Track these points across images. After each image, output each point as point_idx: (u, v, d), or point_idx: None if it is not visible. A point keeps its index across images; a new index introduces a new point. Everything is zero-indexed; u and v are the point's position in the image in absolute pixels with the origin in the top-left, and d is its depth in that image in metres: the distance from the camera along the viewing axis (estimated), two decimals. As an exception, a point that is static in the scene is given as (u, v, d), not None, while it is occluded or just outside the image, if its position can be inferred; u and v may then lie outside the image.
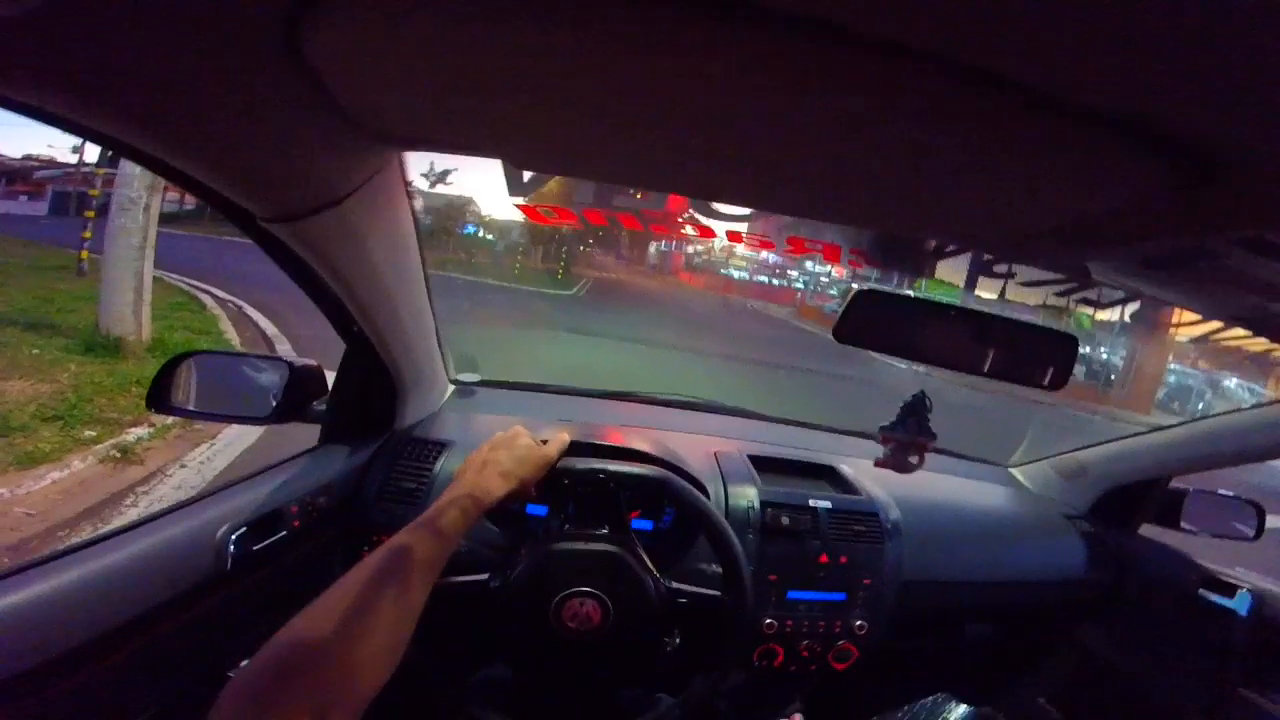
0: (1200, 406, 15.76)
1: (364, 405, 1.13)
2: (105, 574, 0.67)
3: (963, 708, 1.59)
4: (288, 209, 0.61)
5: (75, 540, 0.69)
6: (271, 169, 0.55)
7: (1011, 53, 0.30)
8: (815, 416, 1.80)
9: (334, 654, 0.52)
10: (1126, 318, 17.48)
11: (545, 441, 0.88)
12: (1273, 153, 0.33)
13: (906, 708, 1.60)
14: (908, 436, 0.93)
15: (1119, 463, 1.50)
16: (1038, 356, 0.82)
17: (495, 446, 0.82)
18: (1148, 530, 1.50)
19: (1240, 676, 1.18)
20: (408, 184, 0.75)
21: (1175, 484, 1.47)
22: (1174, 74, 0.29)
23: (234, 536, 0.81)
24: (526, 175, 0.81)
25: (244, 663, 0.91)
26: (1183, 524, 1.43)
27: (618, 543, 0.88)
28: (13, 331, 5.27)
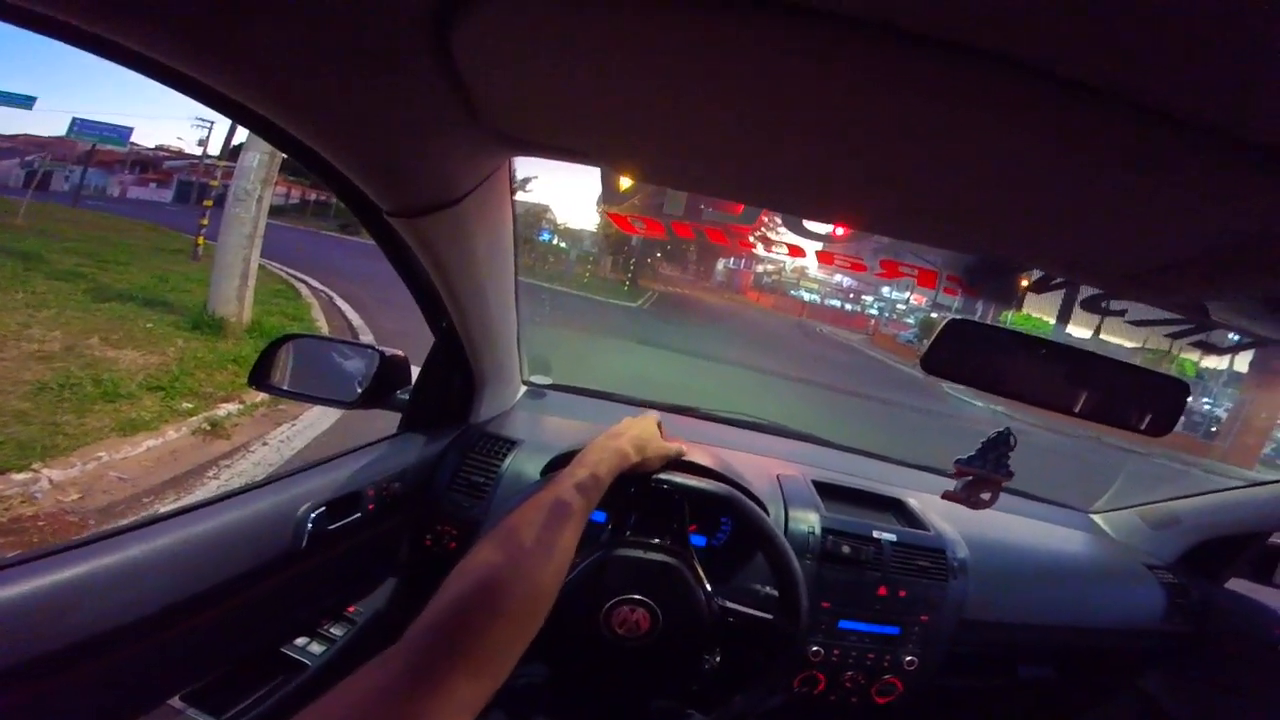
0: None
1: (444, 398, 1.17)
2: (192, 543, 0.70)
3: None
4: (411, 204, 0.65)
5: (161, 509, 0.74)
6: (403, 164, 0.59)
7: (1145, 74, 0.28)
8: (884, 449, 1.75)
9: (526, 568, 0.56)
10: (1235, 366, 16.05)
11: None
12: None
13: None
14: (984, 472, 0.88)
15: (1217, 515, 1.43)
16: (1141, 400, 0.77)
17: (632, 425, 0.85)
18: (1239, 586, 1.43)
19: None
20: (514, 189, 0.78)
21: (1275, 540, 1.40)
22: None
23: (313, 515, 0.84)
24: (624, 184, 0.82)
25: (300, 639, 0.96)
26: (1277, 580, 1.38)
27: (676, 554, 0.87)
28: (133, 306, 5.83)
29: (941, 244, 0.60)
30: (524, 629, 0.53)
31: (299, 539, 0.82)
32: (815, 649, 1.06)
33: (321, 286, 9.30)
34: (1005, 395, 0.76)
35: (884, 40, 0.30)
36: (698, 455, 1.11)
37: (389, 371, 1.06)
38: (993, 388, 0.76)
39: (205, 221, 9.06)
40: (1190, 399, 0.74)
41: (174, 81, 0.47)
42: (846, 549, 1.12)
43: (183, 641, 0.69)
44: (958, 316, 0.79)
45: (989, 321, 0.79)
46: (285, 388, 1.06)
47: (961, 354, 0.76)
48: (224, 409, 3.89)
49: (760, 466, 1.31)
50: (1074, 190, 0.40)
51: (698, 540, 1.15)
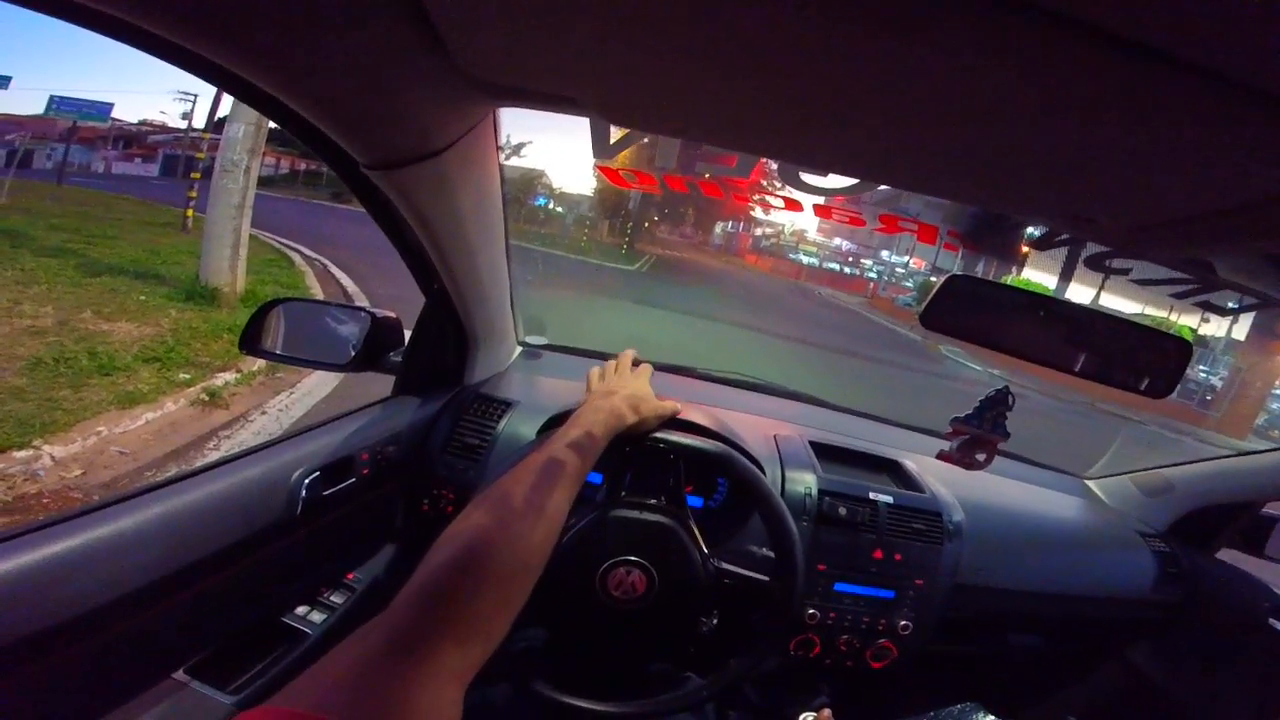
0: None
1: (438, 359, 1.16)
2: (184, 512, 0.69)
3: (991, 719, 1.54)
4: (390, 157, 0.63)
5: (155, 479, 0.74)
6: (379, 114, 0.57)
7: (1158, 19, 0.27)
8: (881, 410, 1.74)
9: (516, 531, 0.56)
10: (1234, 334, 16.06)
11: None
12: None
13: (932, 715, 1.55)
14: (981, 432, 0.87)
15: (1211, 483, 1.43)
16: (1141, 360, 0.75)
17: (626, 383, 0.85)
18: (1229, 556, 1.44)
19: None
20: (499, 143, 0.76)
21: (1268, 510, 1.40)
22: None
23: (306, 480, 0.84)
24: (614, 137, 0.79)
25: (300, 608, 0.96)
26: (1268, 551, 1.38)
27: (672, 515, 0.86)
28: (124, 280, 5.77)
29: (943, 194, 0.58)
30: (514, 593, 0.53)
31: (293, 506, 0.82)
32: (811, 612, 1.07)
33: (315, 255, 9.21)
34: (1004, 352, 0.75)
35: None
36: (694, 415, 1.10)
37: (381, 333, 1.05)
38: (991, 344, 0.75)
39: (194, 194, 8.91)
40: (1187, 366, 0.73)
41: (134, 38, 0.45)
42: (843, 511, 1.11)
43: (180, 613, 0.69)
44: (969, 275, 0.78)
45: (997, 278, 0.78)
46: (277, 351, 1.05)
47: (960, 310, 0.75)
48: (221, 378, 3.89)
49: (757, 426, 1.30)
50: (1082, 139, 0.39)
51: (694, 501, 1.15)
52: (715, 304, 12.62)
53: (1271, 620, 1.22)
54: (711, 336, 8.96)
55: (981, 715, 1.54)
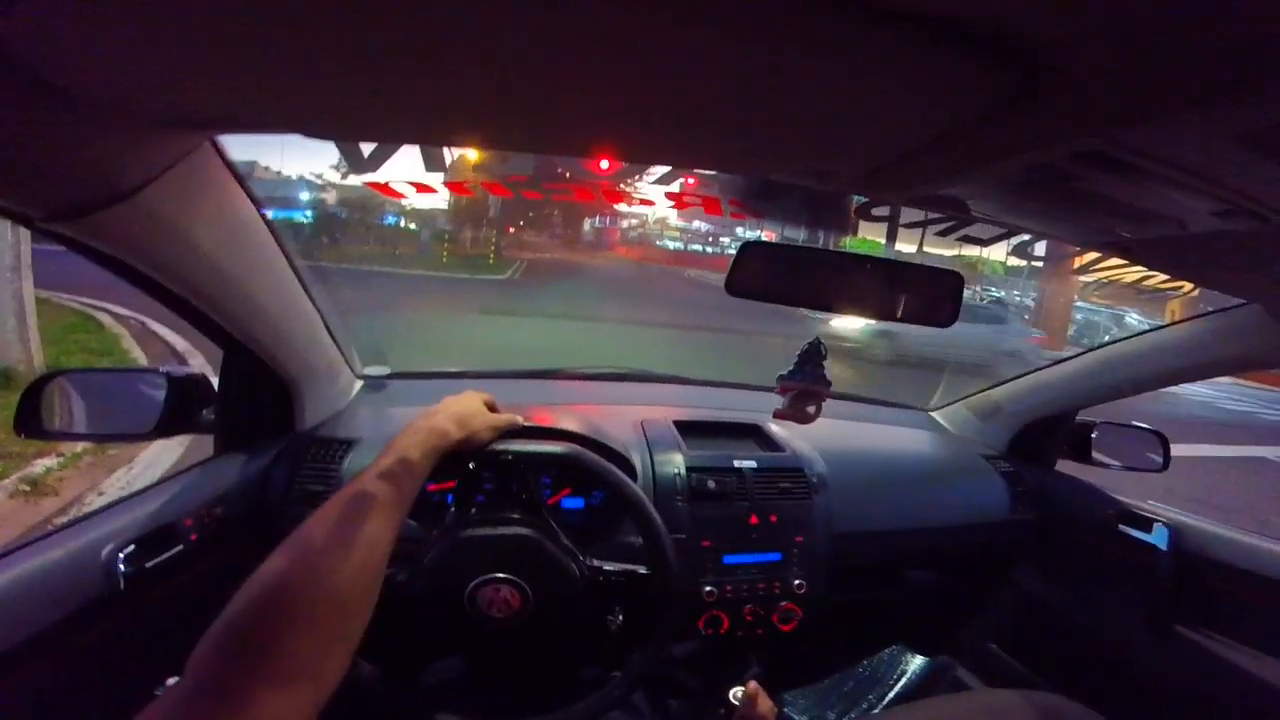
0: (1106, 340, 16.90)
1: (257, 410, 1.07)
2: None
3: (919, 659, 1.63)
4: (66, 207, 0.55)
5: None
6: (14, 170, 0.49)
7: None
8: (753, 377, 1.77)
9: (321, 569, 0.52)
10: (1037, 256, 18.61)
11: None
12: (1088, 53, 0.33)
13: (866, 662, 1.64)
14: (805, 385, 0.95)
15: (1030, 398, 1.51)
16: (925, 296, 0.83)
17: (451, 403, 0.80)
18: (1068, 468, 1.51)
19: (1172, 612, 1.19)
20: (231, 167, 0.69)
21: (1086, 417, 1.48)
22: None
23: (121, 555, 0.77)
24: (366, 150, 0.76)
25: (170, 680, 0.88)
26: (1095, 456, 1.44)
27: (531, 525, 0.85)
28: (-118, 375, 4.75)
29: (689, 164, 0.60)
30: (331, 630, 0.51)
31: (114, 580, 0.75)
32: (709, 589, 1.08)
33: (128, 312, 8.08)
34: (804, 306, 0.82)
35: None
36: (548, 417, 1.10)
37: (185, 393, 0.96)
38: (791, 301, 0.82)
39: (-44, 257, 7.48)
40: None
41: None
42: (712, 484, 1.14)
43: (8, 700, 0.63)
44: (761, 241, 0.83)
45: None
46: (67, 429, 0.95)
47: (760, 274, 0.81)
48: (40, 464, 3.45)
49: (624, 416, 1.32)
50: (796, 93, 0.41)
51: (575, 503, 1.15)
52: (591, 301, 12.65)
53: (1121, 526, 1.28)
54: (587, 334, 8.99)
55: (910, 655, 1.65)
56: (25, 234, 4.67)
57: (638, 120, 0.49)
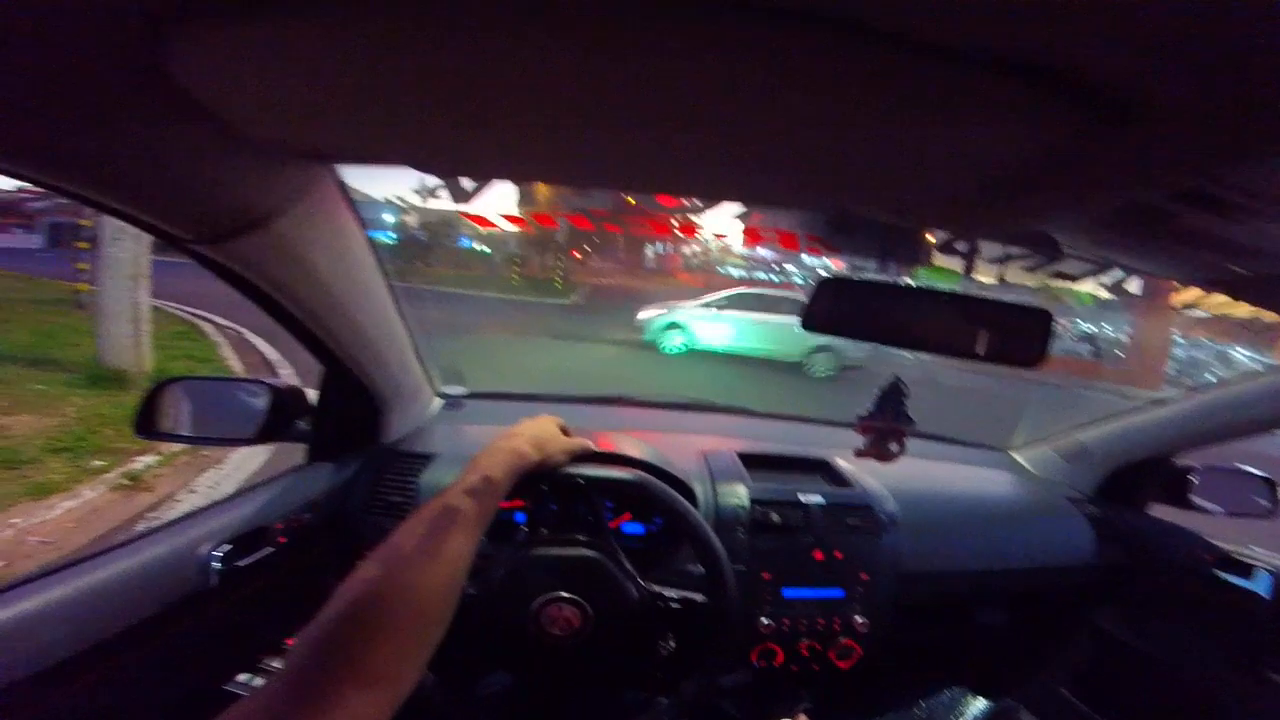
0: (1208, 379, 15.54)
1: (347, 423, 1.14)
2: (87, 591, 0.68)
3: (981, 702, 1.55)
4: (215, 231, 0.61)
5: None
6: (174, 195, 0.55)
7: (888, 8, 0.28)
8: (814, 411, 1.77)
9: (407, 580, 0.56)
10: (1129, 292, 17.34)
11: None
12: (1184, 95, 0.32)
13: (923, 703, 1.56)
14: (886, 424, 0.93)
15: (1122, 441, 1.45)
16: (1009, 332, 0.79)
17: (528, 426, 0.84)
18: (1164, 512, 1.44)
19: (1271, 662, 1.13)
20: (347, 195, 0.75)
21: (1188, 460, 1.40)
22: (1066, 11, 0.26)
23: (218, 554, 0.83)
24: (465, 184, 0.81)
25: (242, 676, 0.94)
26: (1194, 500, 1.36)
27: (596, 547, 0.88)
28: (14, 369, 5.31)
29: (769, 202, 0.61)
30: (414, 638, 0.53)
31: (207, 577, 0.81)
32: (765, 621, 1.07)
33: (228, 323, 8.73)
34: (883, 343, 0.80)
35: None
36: (615, 444, 1.12)
37: (284, 404, 1.04)
38: (869, 338, 0.80)
39: (84, 265, 8.29)
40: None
41: None
42: (776, 517, 1.13)
43: (98, 693, 0.67)
44: (841, 275, 0.83)
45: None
46: (178, 432, 1.03)
47: (837, 309, 0.79)
48: (141, 461, 3.71)
49: (687, 445, 1.32)
50: (863, 131, 0.41)
51: (635, 529, 1.16)
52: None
53: (1216, 571, 1.23)
54: (652, 362, 9.03)
55: (970, 698, 1.57)
56: (145, 243, 5.13)
57: (729, 159, 0.50)
